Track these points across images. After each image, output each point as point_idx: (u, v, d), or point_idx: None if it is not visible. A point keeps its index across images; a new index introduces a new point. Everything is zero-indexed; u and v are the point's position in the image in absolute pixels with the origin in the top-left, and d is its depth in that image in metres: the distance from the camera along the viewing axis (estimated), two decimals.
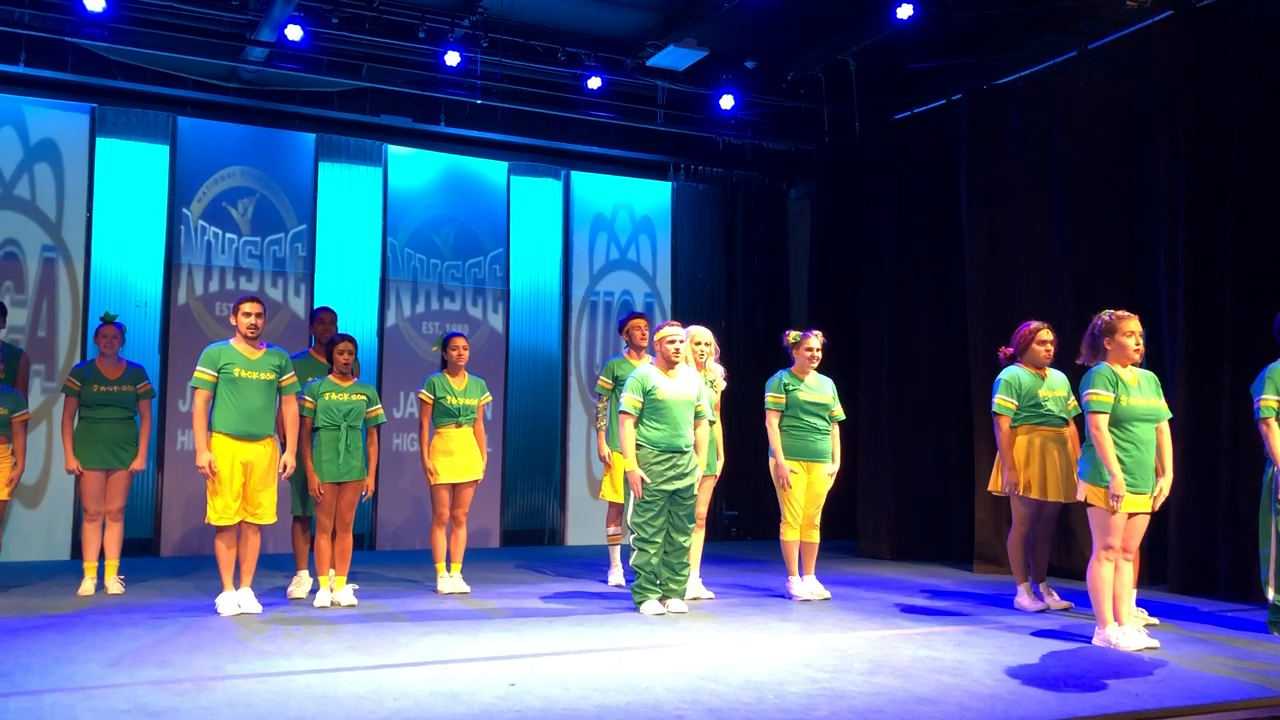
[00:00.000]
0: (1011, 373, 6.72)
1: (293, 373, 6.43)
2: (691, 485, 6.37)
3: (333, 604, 6.41)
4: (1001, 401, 6.66)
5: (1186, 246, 7.41)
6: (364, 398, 6.64)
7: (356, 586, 6.70)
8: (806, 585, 6.99)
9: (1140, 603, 6.09)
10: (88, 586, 6.78)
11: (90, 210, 9.05)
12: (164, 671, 4.62)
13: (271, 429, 6.30)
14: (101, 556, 6.92)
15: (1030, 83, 8.88)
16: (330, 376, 6.64)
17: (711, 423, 6.79)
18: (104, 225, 9.08)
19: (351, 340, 6.68)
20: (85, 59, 8.77)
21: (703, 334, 6.99)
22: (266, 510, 6.23)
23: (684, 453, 6.34)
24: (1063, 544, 7.64)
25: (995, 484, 6.78)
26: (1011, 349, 6.83)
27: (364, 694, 4.29)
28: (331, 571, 6.51)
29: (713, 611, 6.44)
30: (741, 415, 9.69)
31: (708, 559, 7.74)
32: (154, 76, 9.06)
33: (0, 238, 8.74)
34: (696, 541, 6.88)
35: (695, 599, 6.80)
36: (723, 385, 7.13)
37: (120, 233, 9.13)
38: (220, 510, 6.11)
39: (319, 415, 6.53)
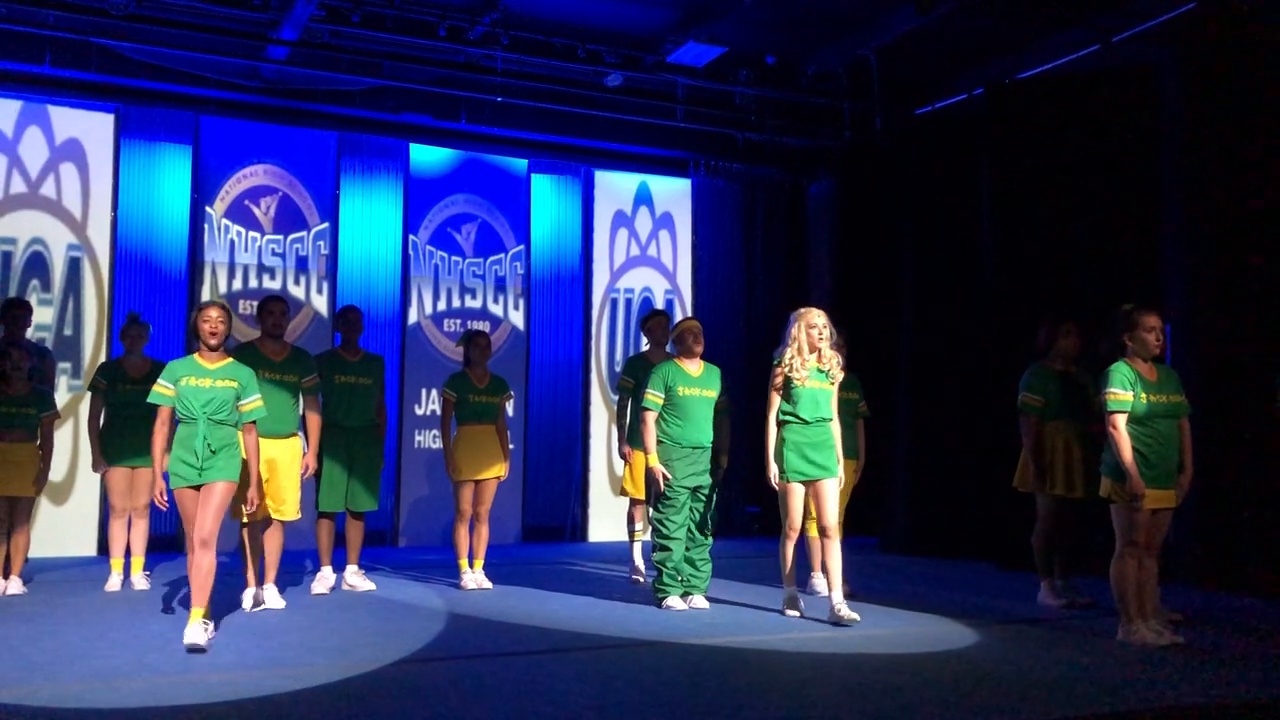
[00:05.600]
0: (1037, 369, 6.69)
1: (315, 374, 6.45)
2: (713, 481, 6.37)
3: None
4: (1027, 398, 6.63)
5: (1212, 240, 7.34)
6: (234, 384, 5.30)
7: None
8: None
9: (1165, 598, 6.05)
10: (114, 582, 6.85)
11: (115, 209, 9.12)
12: (188, 665, 4.66)
13: (296, 426, 6.33)
14: (127, 552, 6.98)
15: (1053, 77, 8.82)
16: (195, 355, 5.36)
17: (829, 420, 6.07)
18: (128, 224, 9.16)
19: (219, 307, 5.32)
20: (109, 60, 8.82)
21: (818, 317, 6.10)
22: (290, 507, 6.25)
23: (706, 449, 6.34)
24: (1087, 540, 7.59)
25: (1020, 480, 6.76)
26: (1037, 348, 6.79)
27: (388, 688, 4.32)
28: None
29: (736, 608, 6.43)
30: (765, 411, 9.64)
31: (730, 557, 7.71)
32: (177, 76, 9.11)
33: (27, 237, 8.82)
34: (835, 554, 6.00)
35: (841, 619, 5.80)
36: (839, 376, 6.17)
37: (144, 231, 9.21)
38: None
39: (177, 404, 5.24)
